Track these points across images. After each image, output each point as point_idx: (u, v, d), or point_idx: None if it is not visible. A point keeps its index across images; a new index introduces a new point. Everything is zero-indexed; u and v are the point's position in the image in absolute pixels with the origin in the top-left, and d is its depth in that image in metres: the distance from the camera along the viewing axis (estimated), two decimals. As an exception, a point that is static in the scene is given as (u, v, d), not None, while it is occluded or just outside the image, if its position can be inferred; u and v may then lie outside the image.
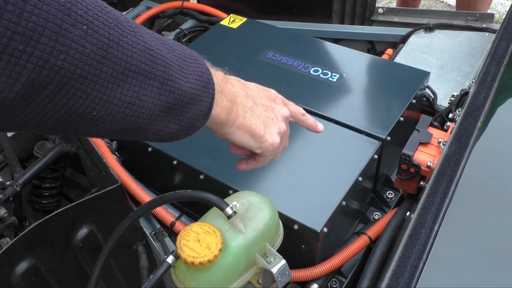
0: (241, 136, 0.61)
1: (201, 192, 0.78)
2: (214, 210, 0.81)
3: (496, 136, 0.96)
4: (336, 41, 1.79)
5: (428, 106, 1.40)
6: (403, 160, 1.06)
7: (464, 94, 1.22)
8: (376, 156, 1.16)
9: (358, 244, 1.11)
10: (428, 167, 1.03)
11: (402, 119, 1.26)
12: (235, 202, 0.79)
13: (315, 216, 1.01)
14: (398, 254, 0.77)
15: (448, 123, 1.13)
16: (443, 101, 1.47)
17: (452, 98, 1.33)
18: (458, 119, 1.02)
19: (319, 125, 0.80)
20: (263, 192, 1.06)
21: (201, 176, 1.12)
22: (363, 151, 1.15)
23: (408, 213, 1.10)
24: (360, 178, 1.11)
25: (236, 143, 0.63)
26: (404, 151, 1.05)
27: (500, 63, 1.16)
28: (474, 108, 1.04)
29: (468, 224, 0.80)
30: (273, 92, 0.69)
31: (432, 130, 1.11)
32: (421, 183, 1.09)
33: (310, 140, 1.18)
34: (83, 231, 0.95)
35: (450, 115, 1.22)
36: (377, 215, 1.32)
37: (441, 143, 1.04)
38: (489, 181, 0.86)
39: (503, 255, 0.73)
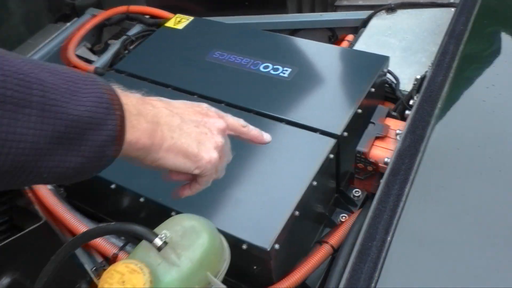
0: (173, 159, 0.55)
1: (126, 224, 0.69)
2: (145, 243, 0.71)
3: (455, 124, 0.85)
4: (293, 32, 1.68)
5: (392, 94, 1.29)
6: (358, 159, 0.95)
7: (424, 77, 1.11)
8: (332, 156, 1.05)
9: (319, 255, 1.00)
10: (386, 163, 0.92)
11: (360, 111, 1.14)
12: (165, 231, 0.68)
13: (264, 233, 0.90)
14: (346, 276, 0.66)
15: (408, 111, 1.02)
16: (408, 86, 1.36)
17: (415, 82, 1.22)
18: (413, 107, 0.91)
19: (265, 135, 0.72)
20: (207, 211, 0.95)
21: (141, 199, 1.01)
22: (317, 152, 1.04)
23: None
24: (315, 183, 1.00)
25: (170, 169, 0.57)
26: (358, 148, 0.94)
27: (459, 40, 1.05)
28: (431, 93, 0.93)
29: (425, 232, 0.69)
30: (204, 105, 0.63)
31: (389, 122, 1.01)
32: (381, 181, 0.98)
33: (258, 146, 1.07)
34: (3, 282, 0.84)
35: (411, 102, 1.11)
36: (344, 217, 1.22)
37: (398, 136, 0.93)
38: (448, 178, 0.75)
39: (464, 270, 0.62)
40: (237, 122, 0.65)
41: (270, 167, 1.02)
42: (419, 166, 0.76)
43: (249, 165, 1.03)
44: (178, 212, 0.96)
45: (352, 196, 1.27)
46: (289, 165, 1.02)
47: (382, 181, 0.76)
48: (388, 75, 1.32)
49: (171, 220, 0.76)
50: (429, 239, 0.67)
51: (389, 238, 0.68)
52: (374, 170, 0.96)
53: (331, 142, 1.06)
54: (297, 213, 0.95)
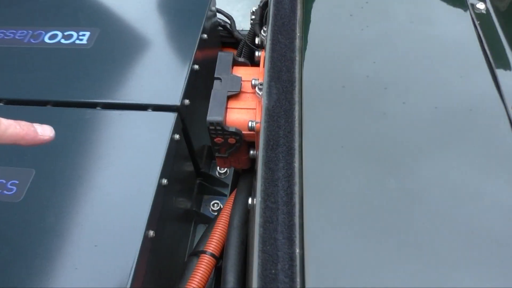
0: None
1: None
2: None
3: (329, 52, 0.62)
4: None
5: (230, 37, 1.03)
6: (213, 132, 0.68)
7: (265, 5, 0.86)
8: (177, 136, 0.76)
9: (200, 272, 0.73)
10: (252, 129, 0.66)
11: (197, 66, 0.86)
12: None
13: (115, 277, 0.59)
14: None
15: (258, 53, 0.77)
16: (245, 24, 1.12)
17: (253, 17, 0.97)
18: (266, 44, 0.66)
19: (42, 129, 0.51)
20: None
21: None
22: (156, 137, 0.74)
23: (250, 200, 0.74)
24: (165, 180, 0.70)
25: None
26: (209, 118, 0.66)
27: None
28: (283, 20, 0.68)
29: (337, 220, 0.45)
30: None
31: (238, 71, 0.74)
32: (252, 152, 0.73)
33: (83, 153, 0.73)
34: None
35: (257, 40, 0.86)
36: (216, 205, 0.96)
37: (257, 87, 0.67)
38: (345, 127, 0.52)
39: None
40: None
41: (101, 178, 0.69)
42: (303, 126, 0.51)
43: (74, 183, 0.69)
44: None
45: (217, 174, 1.01)
46: (125, 167, 0.70)
47: (259, 162, 0.50)
48: (219, 16, 1.05)
49: None
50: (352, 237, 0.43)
51: (298, 250, 0.43)
52: (239, 141, 0.70)
53: (171, 117, 0.77)
54: (151, 233, 0.65)
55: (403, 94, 0.55)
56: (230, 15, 1.05)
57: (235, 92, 0.70)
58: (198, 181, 0.95)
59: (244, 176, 0.81)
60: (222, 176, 1.01)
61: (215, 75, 0.72)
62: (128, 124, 0.77)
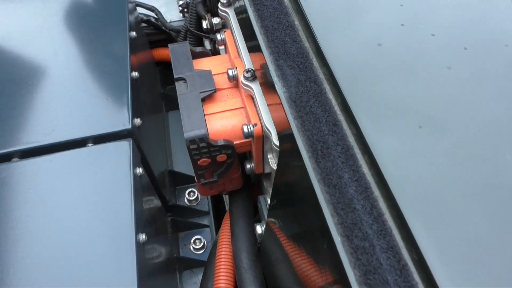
0: None
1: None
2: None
3: (338, 3, 0.44)
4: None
5: (158, 33, 0.82)
6: (197, 153, 0.48)
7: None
8: (140, 170, 0.56)
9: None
10: (250, 135, 0.47)
11: (136, 74, 0.65)
12: None
13: None
14: None
15: (220, 36, 0.58)
16: (172, 14, 0.92)
17: (181, 2, 0.77)
18: (234, 18, 0.47)
19: None
20: None
21: None
22: (112, 181, 0.53)
23: (259, 228, 0.56)
24: (143, 236, 0.50)
25: None
26: (189, 134, 0.47)
27: None
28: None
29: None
30: None
31: (202, 64, 0.55)
32: (248, 166, 0.54)
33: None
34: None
35: (204, 25, 0.67)
36: (197, 241, 0.76)
37: (241, 77, 0.49)
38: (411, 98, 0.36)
39: None
40: None
41: (71, 244, 0.47)
42: (353, 111, 0.34)
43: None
44: None
45: (187, 203, 0.81)
46: (86, 229, 0.49)
47: (312, 180, 0.31)
48: (141, 10, 0.84)
49: None
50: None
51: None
52: (231, 157, 0.51)
53: (125, 147, 0.56)
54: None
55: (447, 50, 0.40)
56: (153, 6, 0.85)
57: (211, 92, 0.51)
58: (169, 217, 0.75)
59: (235, 198, 0.62)
60: (194, 204, 0.81)
61: (176, 75, 0.52)
62: (66, 170, 0.54)
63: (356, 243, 0.30)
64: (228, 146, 0.49)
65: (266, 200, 0.55)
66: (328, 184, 0.32)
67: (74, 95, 0.62)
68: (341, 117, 0.36)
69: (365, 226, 0.30)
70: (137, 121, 0.60)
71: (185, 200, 0.81)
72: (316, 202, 0.32)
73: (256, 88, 0.47)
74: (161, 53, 0.92)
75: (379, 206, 0.31)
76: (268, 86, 0.42)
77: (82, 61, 0.65)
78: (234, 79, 0.52)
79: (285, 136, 0.38)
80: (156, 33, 0.88)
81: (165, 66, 0.98)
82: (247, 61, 0.50)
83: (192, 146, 0.48)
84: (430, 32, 0.40)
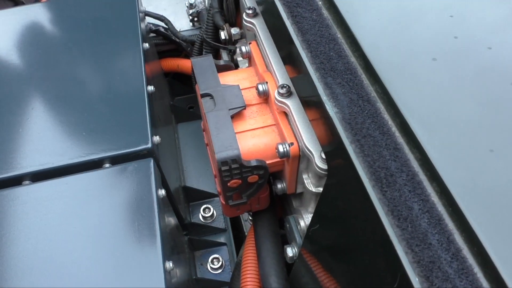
0: None
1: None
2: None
3: (385, 15, 0.41)
4: None
5: (170, 42, 0.80)
6: (228, 174, 0.45)
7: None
8: (163, 192, 0.52)
9: None
10: (285, 155, 0.44)
11: (152, 88, 0.62)
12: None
13: None
14: None
15: (243, 49, 0.54)
16: (183, 23, 0.89)
17: (191, 11, 0.74)
18: (263, 29, 0.44)
19: None
20: None
21: None
22: (134, 205, 0.49)
23: (290, 250, 0.53)
24: (170, 264, 0.47)
25: None
26: (221, 155, 0.43)
27: None
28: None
29: None
30: None
31: (227, 78, 0.52)
32: (280, 186, 0.51)
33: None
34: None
35: (223, 35, 0.64)
36: (215, 261, 0.72)
37: (275, 92, 0.46)
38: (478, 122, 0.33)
39: None
40: None
41: (94, 276, 0.44)
42: (415, 133, 0.31)
43: None
44: None
45: (202, 220, 0.77)
46: (110, 256, 0.45)
47: (379, 213, 0.28)
48: (150, 20, 0.81)
49: None
50: None
51: None
52: (263, 177, 0.48)
53: (146, 167, 0.53)
54: None
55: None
56: (163, 16, 0.81)
57: (241, 109, 0.48)
58: (186, 236, 0.71)
59: (261, 217, 0.59)
60: (209, 221, 0.78)
61: (201, 91, 0.49)
62: (84, 193, 0.51)
63: (438, 285, 0.27)
64: (261, 167, 0.46)
65: (297, 221, 0.52)
66: (398, 217, 0.29)
67: (88, 113, 0.58)
68: (400, 139, 0.33)
69: (444, 265, 0.27)
70: (157, 138, 0.57)
71: (200, 217, 0.78)
72: (386, 237, 0.29)
73: (292, 105, 0.44)
74: (169, 63, 0.88)
75: (455, 241, 0.28)
76: (312, 105, 0.39)
77: (95, 76, 0.62)
78: (264, 95, 0.49)
79: (338, 161, 0.35)
80: (165, 43, 0.85)
81: (173, 77, 0.95)
82: (280, 75, 0.47)
83: (223, 168, 0.44)
84: (486, 45, 0.38)
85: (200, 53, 0.74)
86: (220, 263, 0.72)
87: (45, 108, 0.59)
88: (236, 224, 0.81)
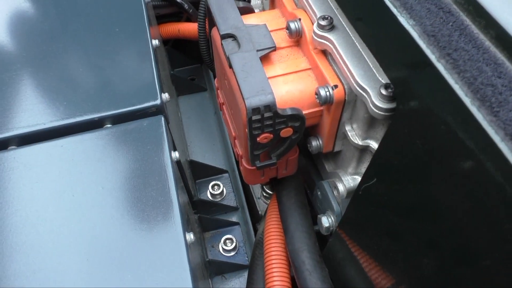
0: None
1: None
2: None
3: None
4: None
5: (171, 4, 0.72)
6: (258, 126, 0.37)
7: None
8: (176, 154, 0.45)
9: None
10: (327, 100, 0.37)
11: (157, 42, 0.54)
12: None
13: None
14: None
15: None
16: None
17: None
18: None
19: None
20: None
21: None
22: (148, 168, 0.41)
23: (326, 220, 0.46)
24: (191, 236, 0.39)
25: None
26: (252, 102, 0.36)
27: None
28: None
29: None
30: None
31: (250, 20, 0.44)
32: (315, 143, 0.44)
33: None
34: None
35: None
36: (228, 242, 0.65)
37: (315, 26, 0.38)
38: None
39: None
40: None
41: (107, 247, 0.36)
42: None
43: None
44: None
45: (210, 197, 0.70)
46: (125, 226, 0.38)
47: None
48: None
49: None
50: None
51: None
52: (298, 130, 0.41)
53: (159, 125, 0.45)
54: None
55: None
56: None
57: (270, 50, 0.40)
58: (195, 214, 0.64)
59: (286, 186, 0.51)
60: (218, 199, 0.70)
61: (222, 31, 0.41)
62: (86, 156, 0.43)
63: None
64: (297, 117, 0.39)
65: (333, 186, 0.45)
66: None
67: (86, 68, 0.50)
68: (499, 54, 0.26)
69: None
70: (166, 96, 0.49)
71: (208, 195, 0.70)
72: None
73: (337, 39, 0.37)
74: (168, 29, 0.80)
75: None
76: (374, 23, 0.31)
77: (92, 28, 0.54)
78: (297, 34, 0.41)
79: (420, 85, 0.28)
80: (164, 5, 0.76)
81: (172, 45, 0.87)
82: (318, 7, 0.40)
83: (254, 117, 0.37)
84: None
85: (205, 15, 0.66)
86: (234, 244, 0.65)
87: (35, 64, 0.50)
88: (247, 203, 0.74)
